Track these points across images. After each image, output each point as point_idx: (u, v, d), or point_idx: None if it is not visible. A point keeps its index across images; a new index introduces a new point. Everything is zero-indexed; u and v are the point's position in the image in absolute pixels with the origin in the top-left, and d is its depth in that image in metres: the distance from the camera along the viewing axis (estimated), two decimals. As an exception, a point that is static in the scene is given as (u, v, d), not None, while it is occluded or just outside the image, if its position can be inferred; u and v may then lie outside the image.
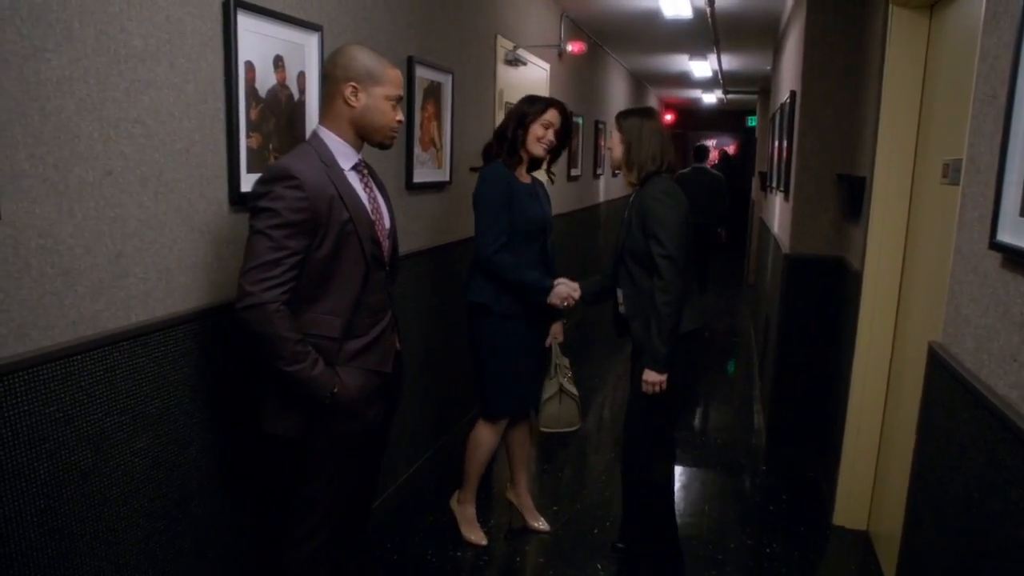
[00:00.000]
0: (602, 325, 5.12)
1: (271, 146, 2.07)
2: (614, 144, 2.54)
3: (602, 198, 7.72)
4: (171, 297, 1.75)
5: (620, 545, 2.76)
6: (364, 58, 1.82)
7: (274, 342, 1.67)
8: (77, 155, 1.47)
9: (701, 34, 6.18)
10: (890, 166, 2.74)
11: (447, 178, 3.38)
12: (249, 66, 1.95)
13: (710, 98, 11.61)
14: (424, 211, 3.18)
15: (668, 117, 13.14)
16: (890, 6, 2.66)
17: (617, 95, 8.28)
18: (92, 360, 1.52)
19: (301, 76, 2.18)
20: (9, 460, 1.36)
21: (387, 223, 1.95)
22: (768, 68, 7.61)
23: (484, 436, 2.76)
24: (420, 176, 3.08)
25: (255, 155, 2.00)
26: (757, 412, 4.53)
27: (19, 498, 1.38)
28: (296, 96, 2.17)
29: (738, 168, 12.56)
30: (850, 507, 3.01)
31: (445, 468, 3.37)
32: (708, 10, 5.03)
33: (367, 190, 1.89)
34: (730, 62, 7.90)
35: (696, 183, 7.03)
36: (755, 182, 9.07)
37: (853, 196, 3.07)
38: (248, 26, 1.93)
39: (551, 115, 2.63)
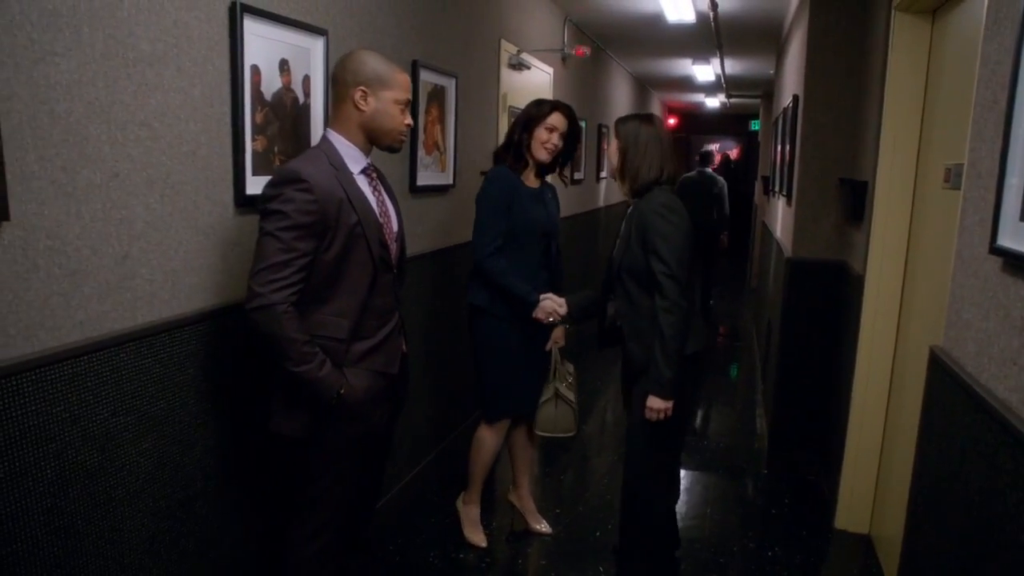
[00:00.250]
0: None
1: (276, 149, 2.08)
2: (612, 152, 2.39)
3: (604, 203, 7.73)
4: (176, 298, 1.77)
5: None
6: (373, 62, 1.84)
7: (282, 343, 1.69)
8: (85, 157, 1.48)
9: (704, 38, 6.19)
10: (892, 170, 2.74)
11: (450, 181, 3.39)
12: (255, 70, 1.96)
13: (713, 102, 11.61)
14: (427, 214, 3.20)
15: (671, 121, 13.16)
16: (892, 11, 2.67)
17: (620, 99, 8.30)
18: (98, 361, 1.53)
19: (306, 80, 2.20)
20: (17, 459, 1.37)
21: (395, 226, 1.97)
22: (771, 72, 7.62)
23: (486, 438, 2.77)
24: (423, 179, 3.10)
25: (260, 158, 2.01)
26: (759, 416, 4.53)
27: (26, 497, 1.39)
28: (301, 100, 2.18)
29: (739, 172, 12.56)
30: (852, 511, 3.01)
31: (448, 470, 3.38)
32: (711, 14, 5.04)
33: (376, 193, 1.91)
34: (733, 66, 7.91)
35: (699, 185, 7.08)
36: (758, 186, 9.08)
37: (855, 200, 3.07)
38: (254, 30, 1.94)
39: (554, 119, 2.63)
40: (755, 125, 11.70)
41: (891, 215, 2.76)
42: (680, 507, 3.00)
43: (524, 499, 2.97)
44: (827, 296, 3.46)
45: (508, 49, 4.21)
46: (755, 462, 3.81)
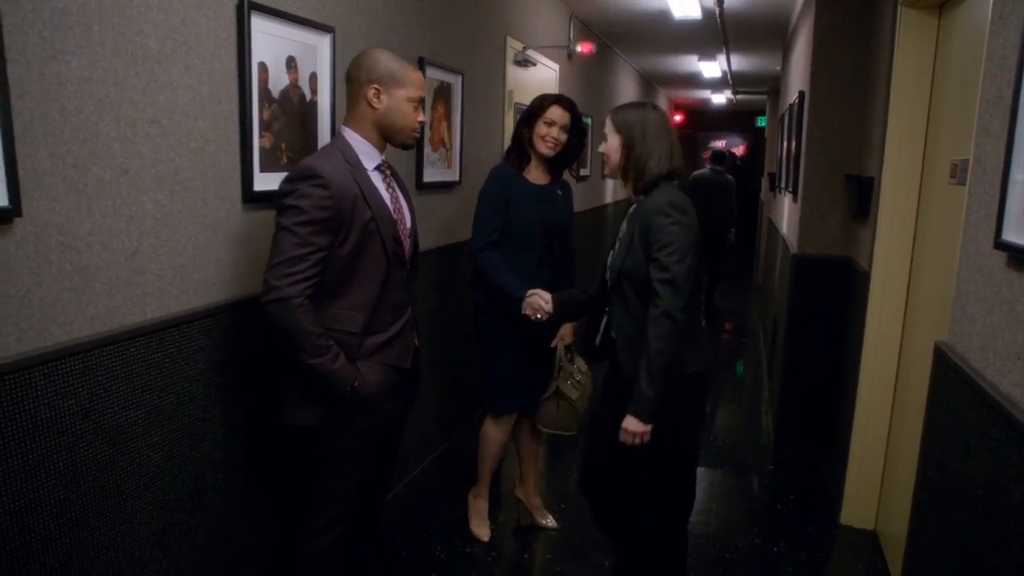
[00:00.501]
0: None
1: (283, 146, 2.09)
2: (609, 149, 2.10)
3: (610, 199, 7.73)
4: (186, 294, 1.78)
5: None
6: (386, 61, 1.87)
7: (297, 336, 1.71)
8: (95, 154, 1.50)
9: (710, 35, 6.18)
10: (898, 166, 2.74)
11: (456, 178, 3.40)
12: (262, 67, 1.98)
13: (719, 99, 11.59)
14: (434, 210, 3.21)
15: (677, 117, 13.12)
16: (899, 7, 2.66)
17: (627, 95, 8.28)
18: (109, 355, 1.55)
19: (313, 77, 2.21)
20: (30, 453, 1.39)
21: (408, 223, 1.99)
22: (777, 69, 7.60)
23: (491, 432, 2.79)
24: (430, 176, 3.11)
25: (268, 155, 2.03)
26: (765, 412, 4.53)
27: (39, 489, 1.41)
28: (308, 97, 2.20)
29: (744, 169, 12.53)
30: (857, 506, 3.01)
31: (455, 464, 3.40)
32: (717, 11, 5.03)
33: (390, 190, 1.94)
34: (739, 63, 7.89)
35: (712, 183, 7.07)
36: (764, 183, 9.06)
37: (861, 196, 3.07)
38: (262, 28, 1.96)
39: (553, 112, 2.61)
40: (762, 121, 11.67)
41: (897, 211, 2.76)
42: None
43: (530, 494, 2.98)
44: (833, 292, 3.46)
45: (514, 46, 4.21)
46: (761, 458, 3.81)
